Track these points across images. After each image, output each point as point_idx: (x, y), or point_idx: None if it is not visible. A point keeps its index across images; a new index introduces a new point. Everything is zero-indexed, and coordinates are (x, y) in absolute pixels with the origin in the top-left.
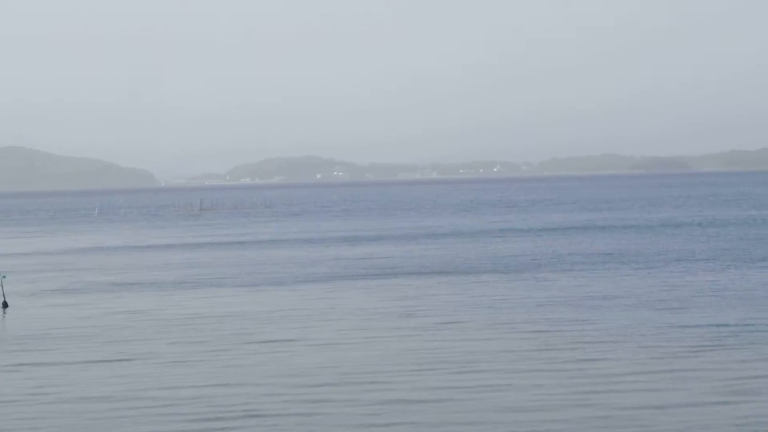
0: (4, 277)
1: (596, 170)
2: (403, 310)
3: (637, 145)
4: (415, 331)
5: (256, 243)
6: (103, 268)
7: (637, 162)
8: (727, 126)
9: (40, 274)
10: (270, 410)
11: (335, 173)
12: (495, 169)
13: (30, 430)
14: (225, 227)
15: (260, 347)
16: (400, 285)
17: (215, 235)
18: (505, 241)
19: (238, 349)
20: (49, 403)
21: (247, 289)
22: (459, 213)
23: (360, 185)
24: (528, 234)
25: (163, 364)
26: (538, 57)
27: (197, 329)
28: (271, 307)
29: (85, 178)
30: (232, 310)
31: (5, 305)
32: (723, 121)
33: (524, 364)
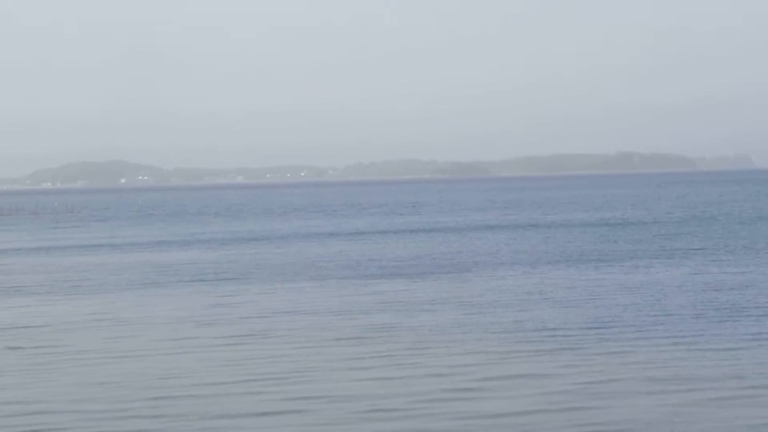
0: None
1: (400, 174)
2: (212, 318)
3: (439, 150)
4: (224, 340)
5: (60, 249)
6: None
7: (439, 167)
8: (523, 133)
9: None
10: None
11: (140, 177)
12: (302, 174)
13: None
14: (26, 232)
15: (61, 358)
16: (211, 292)
17: (13, 241)
18: (321, 245)
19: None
20: None
21: (51, 297)
22: (271, 217)
23: (166, 189)
24: (340, 237)
25: None
26: (338, 59)
27: None
28: (76, 316)
29: None
30: (32, 321)
31: None
32: (519, 128)
33: (344, 373)
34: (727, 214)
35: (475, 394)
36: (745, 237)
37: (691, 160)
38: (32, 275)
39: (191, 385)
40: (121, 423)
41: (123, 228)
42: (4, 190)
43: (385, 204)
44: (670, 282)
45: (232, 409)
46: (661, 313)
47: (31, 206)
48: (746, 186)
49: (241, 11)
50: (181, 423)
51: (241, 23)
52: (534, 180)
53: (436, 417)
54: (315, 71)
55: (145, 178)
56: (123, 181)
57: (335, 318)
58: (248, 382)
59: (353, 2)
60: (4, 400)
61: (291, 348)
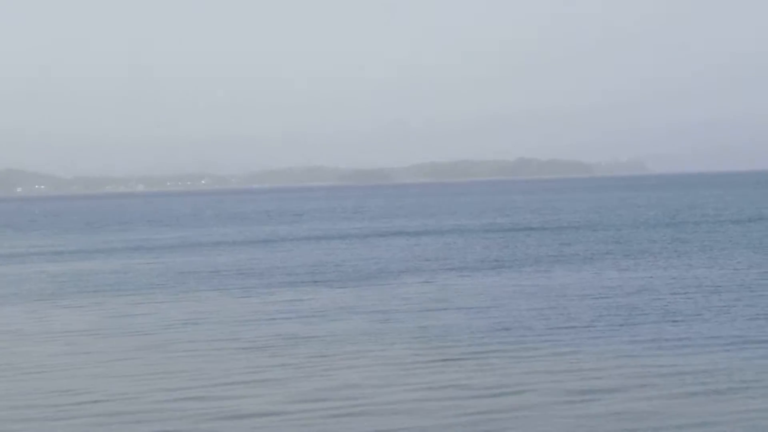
0: None
1: (303, 181)
2: (112, 329)
3: (342, 157)
4: (125, 354)
5: None
6: None
7: (342, 173)
8: (427, 138)
9: None
10: None
11: (37, 186)
12: (203, 182)
13: None
14: None
15: None
16: (110, 302)
17: None
18: (229, 252)
19: None
20: None
21: None
22: (174, 226)
23: (65, 199)
24: (243, 245)
25: None
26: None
27: None
28: None
29: None
30: None
31: None
32: (423, 134)
33: (249, 387)
34: (625, 219)
35: (386, 408)
36: (642, 241)
37: (588, 165)
38: None
39: (89, 402)
40: None
41: (16, 238)
42: None
43: (290, 211)
44: (572, 287)
45: (131, 428)
46: (564, 318)
47: None
48: (642, 191)
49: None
50: None
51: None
52: (435, 186)
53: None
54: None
55: (42, 187)
56: (19, 190)
57: (239, 328)
58: (150, 395)
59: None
60: None
61: (194, 360)
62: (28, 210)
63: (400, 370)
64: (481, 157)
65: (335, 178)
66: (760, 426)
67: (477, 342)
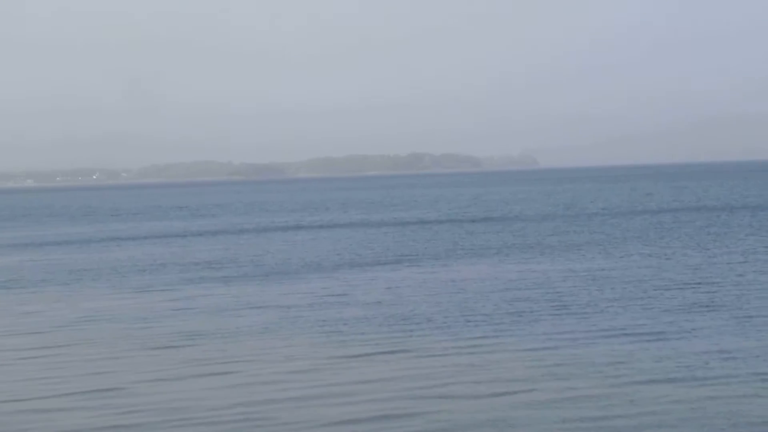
0: None
1: (195, 176)
2: (5, 329)
3: (235, 152)
4: (19, 353)
5: None
6: None
7: (235, 168)
8: (320, 135)
9: None
10: None
11: None
12: (94, 177)
13: None
14: None
15: None
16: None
17: None
18: (123, 248)
19: None
20: None
21: None
22: (70, 220)
23: None
24: (140, 240)
25: None
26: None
27: None
28: None
29: None
30: None
31: None
32: (316, 130)
33: (155, 384)
34: (521, 213)
35: (300, 403)
36: (537, 234)
37: (479, 159)
38: None
39: None
40: None
41: None
42: None
43: (184, 206)
44: (472, 280)
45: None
46: (467, 312)
47: None
48: (536, 185)
49: None
50: None
51: None
52: (331, 181)
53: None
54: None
55: None
56: None
57: (136, 325)
58: (50, 399)
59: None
60: None
61: (94, 359)
62: None
63: (303, 367)
64: (374, 151)
65: (228, 173)
66: (660, 413)
67: (378, 337)
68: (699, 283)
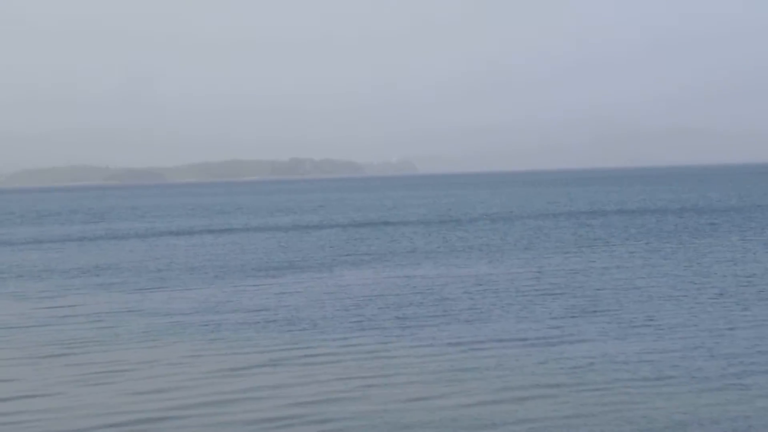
0: None
1: (69, 181)
2: None
3: (112, 156)
4: None
5: None
6: None
7: (112, 173)
8: (201, 138)
9: None
10: None
11: None
12: None
13: None
14: None
15: None
16: None
17: None
18: (10, 252)
19: None
20: None
21: None
22: None
23: None
24: (13, 246)
25: None
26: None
27: None
28: None
29: None
30: None
31: None
32: (197, 135)
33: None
34: (403, 218)
35: (184, 412)
36: (422, 239)
37: (360, 165)
38: None
39: None
40: None
41: None
42: None
43: (55, 212)
44: (356, 286)
45: None
46: (353, 318)
47: None
48: (417, 190)
49: None
50: None
51: None
52: (210, 186)
53: None
54: None
55: None
56: None
57: (17, 335)
58: None
59: None
60: None
61: None
62: None
63: (187, 375)
64: (254, 156)
65: (104, 178)
66: (545, 419)
67: (264, 344)
68: (579, 288)
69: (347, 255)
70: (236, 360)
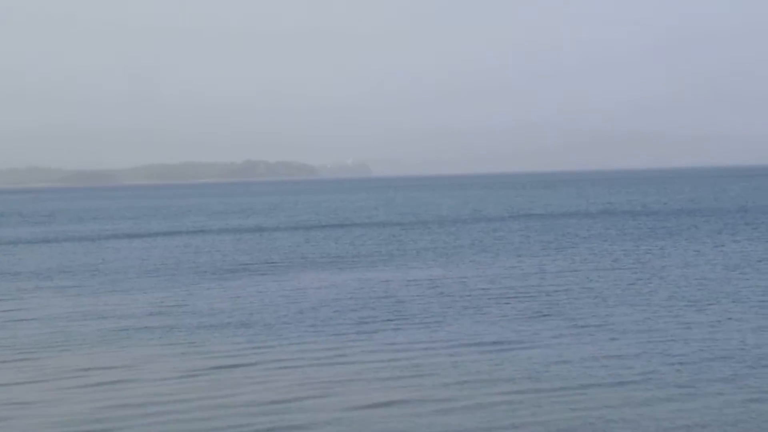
0: None
1: (22, 183)
2: None
3: (64, 158)
4: None
5: None
6: None
7: (64, 175)
8: (150, 139)
9: None
10: None
11: None
12: None
13: None
14: None
15: None
16: None
17: None
18: None
19: None
20: None
21: None
22: None
23: None
24: None
25: None
26: None
27: None
28: None
29: None
30: None
31: None
32: (144, 135)
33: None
34: (358, 220)
35: (143, 420)
36: (376, 242)
37: (314, 167)
38: None
39: None
40: None
41: None
42: None
43: (7, 213)
44: (312, 289)
45: None
46: (308, 322)
47: None
48: (373, 192)
49: None
50: None
51: None
52: (163, 188)
53: None
54: None
55: None
56: None
57: None
58: None
59: None
60: None
61: None
62: None
63: (142, 379)
64: (207, 158)
65: (56, 180)
66: (502, 419)
67: (220, 348)
68: (534, 291)
69: (302, 258)
70: (190, 364)
